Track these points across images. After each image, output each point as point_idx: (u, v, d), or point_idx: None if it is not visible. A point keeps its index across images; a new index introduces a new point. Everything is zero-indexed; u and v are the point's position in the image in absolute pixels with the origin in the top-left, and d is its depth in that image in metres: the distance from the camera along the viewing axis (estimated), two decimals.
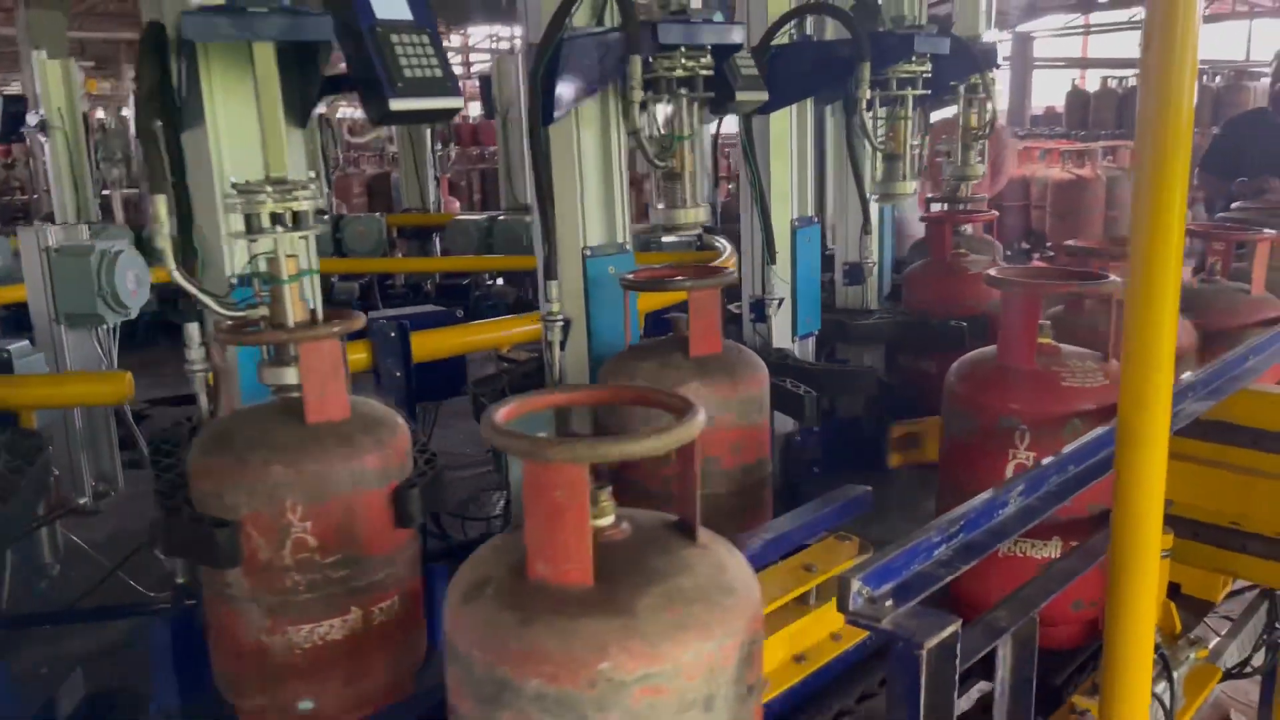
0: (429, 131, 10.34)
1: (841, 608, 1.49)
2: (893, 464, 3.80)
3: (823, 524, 2.47)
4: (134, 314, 4.40)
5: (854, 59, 3.44)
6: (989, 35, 4.54)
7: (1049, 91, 21.14)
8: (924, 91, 3.82)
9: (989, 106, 4.22)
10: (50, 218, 8.47)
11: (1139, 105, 1.44)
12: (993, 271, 2.70)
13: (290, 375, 2.34)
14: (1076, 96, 15.81)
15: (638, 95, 2.82)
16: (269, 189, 2.26)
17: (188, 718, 2.48)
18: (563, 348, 3.16)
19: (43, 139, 8.55)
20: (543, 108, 2.90)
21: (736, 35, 3.14)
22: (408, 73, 2.31)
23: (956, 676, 1.48)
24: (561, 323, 3.14)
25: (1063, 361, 2.51)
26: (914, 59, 3.66)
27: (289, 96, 2.47)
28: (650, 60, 2.94)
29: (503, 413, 1.45)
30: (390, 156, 14.86)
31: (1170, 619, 2.51)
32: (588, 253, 3.19)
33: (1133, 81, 15.91)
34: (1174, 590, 2.74)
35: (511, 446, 1.37)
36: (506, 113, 9.83)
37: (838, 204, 4.56)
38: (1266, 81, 6.43)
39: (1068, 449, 1.99)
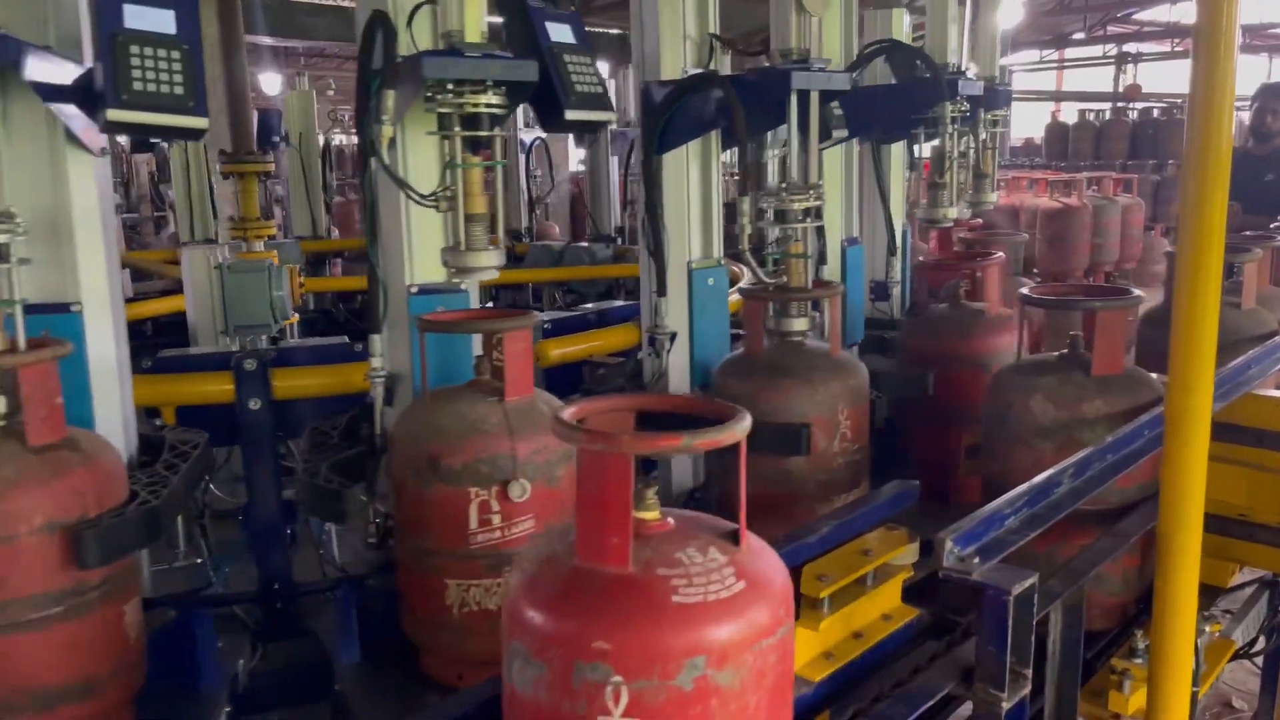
0: (320, 159, 10.08)
1: (936, 564, 1.76)
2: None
3: (877, 514, 2.74)
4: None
5: (985, 106, 4.31)
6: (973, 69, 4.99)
7: (1024, 123, 21.77)
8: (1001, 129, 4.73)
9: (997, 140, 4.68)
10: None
11: (1185, 143, 1.74)
12: (566, 414, 1.54)
13: (799, 324, 3.27)
14: (1056, 128, 16.31)
15: (949, 128, 3.78)
16: (811, 192, 3.20)
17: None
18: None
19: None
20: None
21: (981, 89, 4.17)
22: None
23: (1034, 621, 1.75)
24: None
25: (672, 556, 1.46)
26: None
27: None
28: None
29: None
30: None
31: None
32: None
33: (1109, 114, 16.47)
34: None
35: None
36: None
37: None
38: (1245, 115, 6.73)
39: (1111, 438, 2.26)
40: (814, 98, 3.29)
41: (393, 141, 2.64)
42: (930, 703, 1.78)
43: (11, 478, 2.03)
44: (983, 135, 4.29)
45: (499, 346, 2.58)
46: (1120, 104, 17.89)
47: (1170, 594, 1.91)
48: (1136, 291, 3.02)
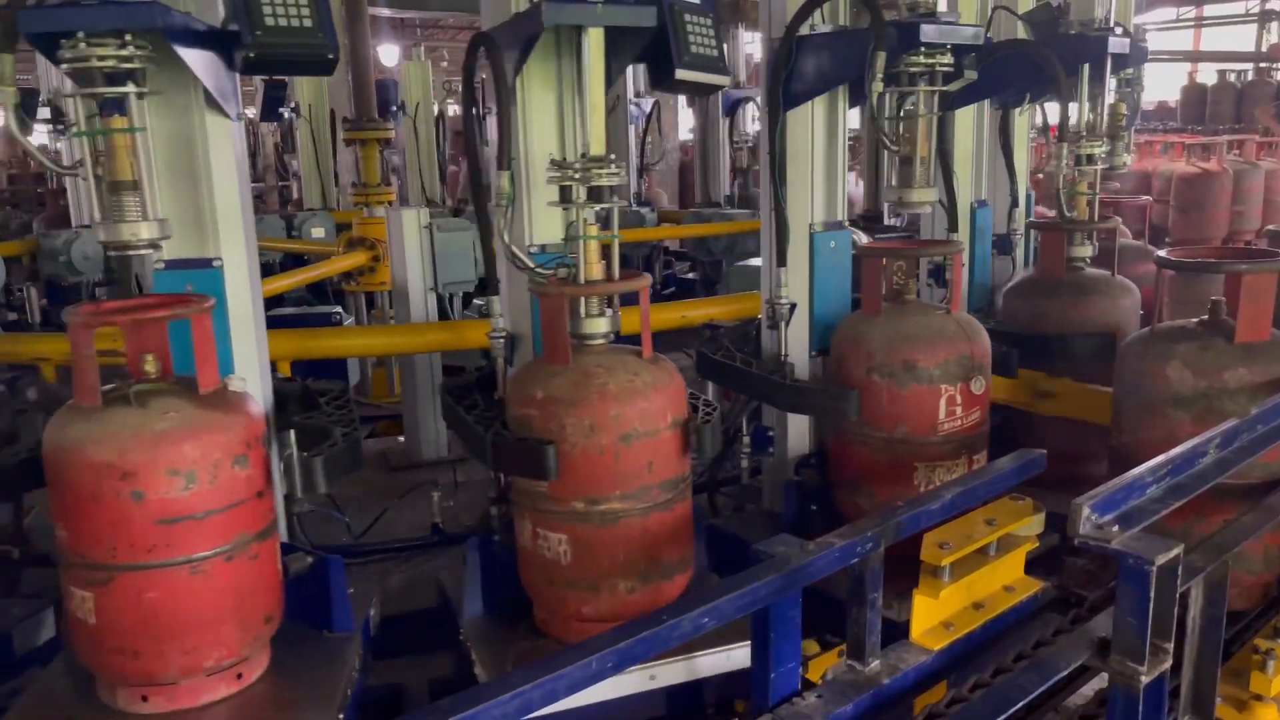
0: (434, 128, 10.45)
1: (1072, 531, 1.69)
2: None
3: (1003, 483, 2.66)
4: None
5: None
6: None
7: (1157, 86, 20.62)
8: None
9: (1137, 98, 4.51)
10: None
11: None
12: None
13: (1084, 251, 3.91)
14: (1193, 90, 15.45)
15: (1142, 86, 4.46)
16: (1102, 140, 3.90)
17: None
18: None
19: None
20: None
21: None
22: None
23: (1178, 594, 1.68)
24: None
25: None
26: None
27: None
28: None
29: None
30: None
31: None
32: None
33: (1250, 75, 15.50)
34: None
35: None
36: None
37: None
38: None
39: (1256, 410, 2.14)
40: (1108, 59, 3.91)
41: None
42: (1063, 674, 1.72)
43: (651, 383, 2.60)
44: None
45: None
46: (1263, 64, 16.82)
47: None
48: None
